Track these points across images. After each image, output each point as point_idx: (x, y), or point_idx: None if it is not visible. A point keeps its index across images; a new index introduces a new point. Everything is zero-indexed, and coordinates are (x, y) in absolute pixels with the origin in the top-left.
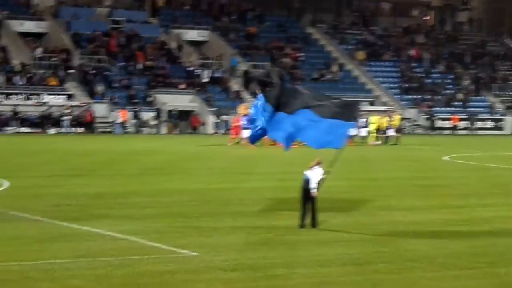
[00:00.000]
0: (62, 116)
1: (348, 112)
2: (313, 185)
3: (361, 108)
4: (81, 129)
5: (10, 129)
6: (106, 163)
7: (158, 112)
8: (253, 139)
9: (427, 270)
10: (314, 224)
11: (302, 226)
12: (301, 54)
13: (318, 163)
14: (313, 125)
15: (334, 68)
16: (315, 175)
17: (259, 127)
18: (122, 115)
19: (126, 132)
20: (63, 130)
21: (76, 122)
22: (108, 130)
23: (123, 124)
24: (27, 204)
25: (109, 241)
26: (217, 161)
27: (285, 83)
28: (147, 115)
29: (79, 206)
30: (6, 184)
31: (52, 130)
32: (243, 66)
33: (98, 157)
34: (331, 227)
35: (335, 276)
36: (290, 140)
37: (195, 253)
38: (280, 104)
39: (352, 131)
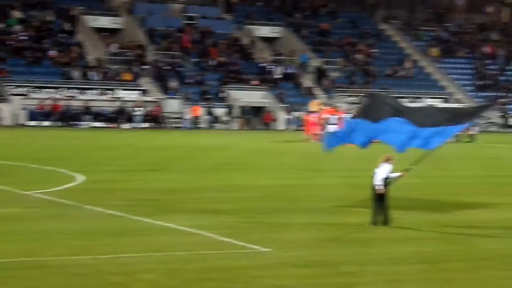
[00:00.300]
0: (134, 111)
1: (463, 116)
2: (378, 182)
3: (487, 110)
4: (153, 124)
5: (85, 123)
6: (179, 158)
7: (230, 108)
8: (331, 145)
9: (500, 269)
10: (386, 221)
11: (374, 223)
12: (374, 50)
13: (387, 160)
14: (403, 132)
15: (407, 64)
16: (381, 171)
17: (342, 139)
18: (194, 111)
19: (199, 128)
20: (136, 125)
21: (149, 117)
22: (181, 125)
23: (195, 120)
24: (101, 198)
25: (182, 235)
26: (289, 157)
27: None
28: (220, 111)
29: (152, 200)
30: (81, 178)
31: (126, 125)
32: (315, 62)
33: (171, 152)
34: (404, 224)
35: (407, 274)
36: (368, 142)
37: (266, 249)
38: (366, 113)
39: (454, 134)
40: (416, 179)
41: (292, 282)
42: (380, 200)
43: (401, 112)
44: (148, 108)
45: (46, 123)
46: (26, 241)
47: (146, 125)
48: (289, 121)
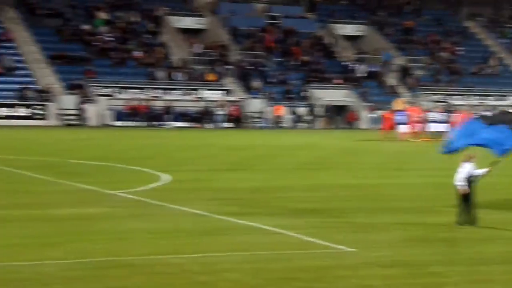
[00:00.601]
0: (217, 111)
1: None
2: (459, 181)
3: None
4: (236, 124)
5: (169, 123)
6: (262, 158)
7: (313, 107)
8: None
9: None
10: (472, 221)
11: (460, 223)
12: (459, 48)
13: (470, 158)
14: (504, 138)
15: (493, 62)
16: (463, 171)
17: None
18: (277, 110)
19: (281, 127)
20: (219, 125)
21: (232, 117)
22: (262, 125)
23: (277, 119)
24: (186, 197)
25: (266, 235)
26: (372, 156)
27: None
28: (303, 110)
29: (236, 200)
30: (166, 178)
31: (210, 125)
32: (399, 60)
33: (254, 151)
34: (491, 224)
35: (496, 274)
36: (468, 145)
37: (351, 249)
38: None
39: None
40: (502, 178)
41: (377, 282)
42: (465, 199)
43: (505, 120)
44: (231, 108)
45: (131, 123)
46: (112, 240)
47: (229, 124)
48: (372, 120)
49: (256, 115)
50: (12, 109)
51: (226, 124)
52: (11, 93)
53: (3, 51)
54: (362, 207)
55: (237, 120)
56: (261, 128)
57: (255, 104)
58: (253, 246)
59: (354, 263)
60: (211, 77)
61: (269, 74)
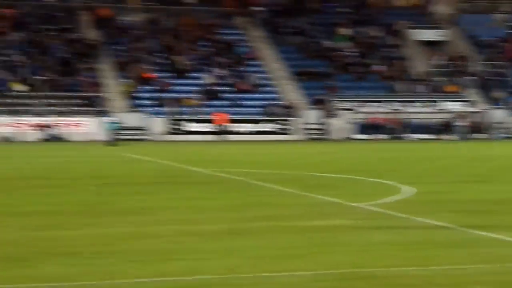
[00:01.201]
0: (457, 122)
1: None
2: None
3: None
4: (477, 135)
5: (410, 136)
6: (507, 169)
7: None
8: None
9: None
10: None
11: None
12: None
13: None
14: None
15: None
16: None
17: None
18: None
19: None
20: (460, 136)
21: (473, 128)
22: (507, 135)
23: None
24: (429, 210)
25: (511, 247)
26: None
27: None
28: None
29: (482, 212)
30: (408, 190)
31: (449, 136)
32: None
33: (498, 162)
34: None
35: None
36: None
37: None
38: None
39: None
40: None
41: None
42: None
43: None
44: (471, 119)
45: (373, 136)
46: (355, 252)
47: (470, 135)
48: None
49: (499, 126)
50: (258, 125)
51: (468, 135)
52: (257, 109)
53: (250, 69)
54: None
55: (477, 131)
56: (504, 138)
57: (497, 115)
58: (499, 258)
59: None
60: (451, 88)
61: (511, 84)
